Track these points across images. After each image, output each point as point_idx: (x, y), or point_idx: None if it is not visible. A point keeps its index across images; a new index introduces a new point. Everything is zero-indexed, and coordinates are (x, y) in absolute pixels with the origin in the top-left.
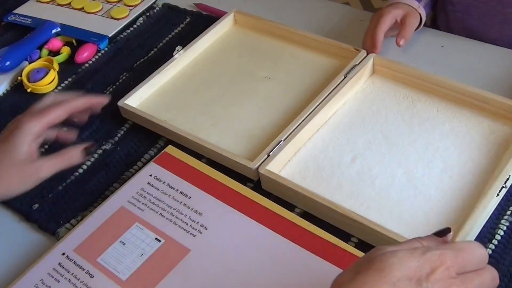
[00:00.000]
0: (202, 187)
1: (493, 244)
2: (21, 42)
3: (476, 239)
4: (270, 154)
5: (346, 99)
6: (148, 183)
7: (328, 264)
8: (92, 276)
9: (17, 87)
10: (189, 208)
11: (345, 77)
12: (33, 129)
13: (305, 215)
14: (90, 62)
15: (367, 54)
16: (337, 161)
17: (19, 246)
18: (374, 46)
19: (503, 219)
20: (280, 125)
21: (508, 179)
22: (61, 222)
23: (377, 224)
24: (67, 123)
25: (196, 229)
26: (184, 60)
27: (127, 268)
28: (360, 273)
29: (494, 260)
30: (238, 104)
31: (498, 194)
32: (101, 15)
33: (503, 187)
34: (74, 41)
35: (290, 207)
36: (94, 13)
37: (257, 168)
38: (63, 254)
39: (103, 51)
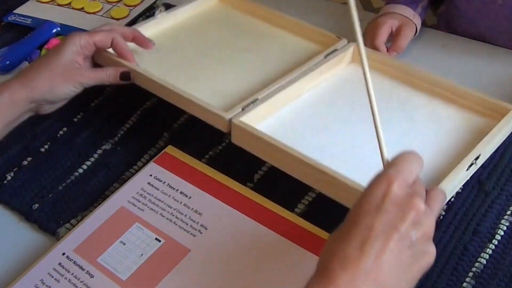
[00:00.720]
0: (202, 187)
1: (493, 244)
2: (21, 42)
3: (476, 238)
4: (245, 108)
5: (324, 78)
6: (148, 183)
7: None
8: (92, 276)
9: None
10: (189, 208)
11: (325, 58)
12: (78, 42)
13: (305, 215)
14: None
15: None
16: (307, 131)
17: (19, 246)
18: (396, 50)
19: (503, 219)
20: (256, 88)
21: (478, 157)
22: (61, 222)
23: (351, 179)
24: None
25: (196, 229)
26: (165, 22)
27: (127, 268)
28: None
29: (494, 260)
30: (216, 68)
31: (468, 169)
32: (101, 15)
33: (472, 163)
34: None
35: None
36: (94, 13)
37: (230, 119)
38: (63, 254)
39: None
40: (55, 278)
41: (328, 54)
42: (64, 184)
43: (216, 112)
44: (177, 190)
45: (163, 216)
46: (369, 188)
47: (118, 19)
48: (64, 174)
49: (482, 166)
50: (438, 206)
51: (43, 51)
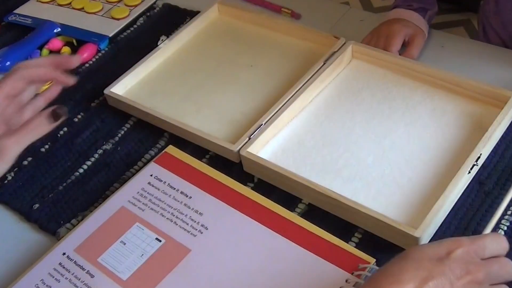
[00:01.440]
0: (202, 187)
1: None
2: (22, 42)
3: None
4: (251, 137)
5: (325, 84)
6: (149, 183)
7: (328, 264)
8: (92, 276)
9: None
10: (189, 208)
11: (324, 63)
12: None
13: (306, 215)
14: (91, 62)
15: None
16: (316, 143)
17: (19, 246)
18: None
19: (503, 219)
20: (261, 109)
21: (479, 157)
22: (62, 222)
23: (354, 201)
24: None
25: (196, 229)
26: (168, 49)
27: (127, 268)
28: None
29: None
30: (221, 91)
31: (469, 172)
32: (102, 15)
33: (474, 164)
34: (74, 41)
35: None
36: (94, 13)
37: (239, 151)
38: (64, 254)
39: (103, 51)
40: (55, 278)
41: (327, 59)
42: (64, 184)
43: (225, 145)
44: (178, 190)
45: (163, 216)
46: (437, 241)
47: (118, 19)
48: (64, 174)
49: (482, 166)
50: None
51: (44, 51)
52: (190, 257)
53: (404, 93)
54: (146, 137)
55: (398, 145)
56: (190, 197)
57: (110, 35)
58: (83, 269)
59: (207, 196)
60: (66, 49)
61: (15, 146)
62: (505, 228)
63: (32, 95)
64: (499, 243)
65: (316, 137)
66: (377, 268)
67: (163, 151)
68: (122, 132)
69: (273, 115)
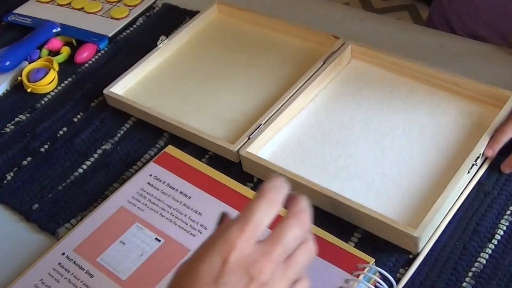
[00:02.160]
0: (202, 187)
1: (493, 244)
2: (21, 42)
3: (476, 238)
4: (251, 137)
5: (325, 84)
6: (148, 183)
7: (328, 264)
8: (92, 276)
9: (17, 87)
10: (189, 208)
11: (323, 63)
12: None
13: None
14: (90, 62)
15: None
16: (315, 143)
17: (19, 246)
18: (492, 147)
19: (503, 219)
20: (260, 109)
21: (478, 157)
22: (61, 222)
23: (353, 201)
24: None
25: (196, 229)
26: (168, 49)
27: (127, 268)
28: None
29: (494, 260)
30: (221, 90)
31: (469, 171)
32: (101, 15)
33: (473, 164)
34: (74, 41)
35: None
36: (94, 13)
37: (238, 151)
38: (63, 254)
39: (103, 51)
40: (55, 278)
41: (326, 59)
42: (64, 184)
43: (224, 145)
44: (177, 190)
45: (163, 216)
46: (204, 251)
47: (118, 19)
48: (64, 174)
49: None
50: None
51: (43, 51)
52: None
53: (403, 93)
54: (146, 137)
55: (398, 145)
56: (190, 197)
57: (110, 35)
58: (83, 269)
59: (207, 196)
60: (66, 49)
61: None
62: (504, 228)
63: None
64: (272, 204)
65: (315, 137)
66: (376, 268)
67: (163, 151)
68: (122, 132)
69: (272, 115)
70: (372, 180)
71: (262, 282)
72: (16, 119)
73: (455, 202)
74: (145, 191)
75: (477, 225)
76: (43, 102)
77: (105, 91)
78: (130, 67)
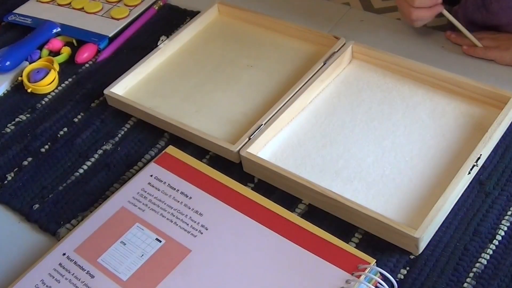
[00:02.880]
0: (202, 188)
1: (493, 244)
2: (21, 42)
3: (477, 239)
4: (251, 137)
5: (325, 84)
6: (149, 183)
7: (328, 264)
8: (92, 277)
9: (17, 87)
10: (189, 208)
11: (324, 64)
12: None
13: (306, 216)
14: (91, 62)
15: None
16: (316, 144)
17: (19, 246)
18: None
19: (503, 219)
20: (261, 110)
21: (479, 158)
22: (62, 222)
23: (353, 202)
24: None
25: (196, 230)
26: (168, 49)
27: (127, 269)
28: None
29: (495, 261)
30: (221, 91)
31: (469, 172)
32: (101, 15)
33: (474, 165)
34: (74, 41)
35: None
36: (94, 13)
37: (239, 151)
38: (64, 254)
39: (103, 51)
40: (55, 279)
41: (327, 59)
42: (64, 185)
43: (224, 146)
44: (178, 190)
45: (163, 216)
46: None
47: (118, 19)
48: (64, 174)
49: (482, 166)
50: None
51: (43, 51)
52: (190, 258)
53: (404, 93)
54: (146, 138)
55: (398, 145)
56: (190, 198)
57: (110, 35)
58: (83, 269)
59: (207, 196)
60: (66, 49)
61: None
62: (505, 228)
63: None
64: None
65: (316, 138)
66: (377, 268)
67: (163, 152)
68: (122, 132)
69: (273, 116)
70: (373, 180)
71: None
72: (17, 119)
73: (456, 203)
74: (145, 192)
75: (478, 226)
76: (43, 102)
77: (105, 91)
78: (130, 67)
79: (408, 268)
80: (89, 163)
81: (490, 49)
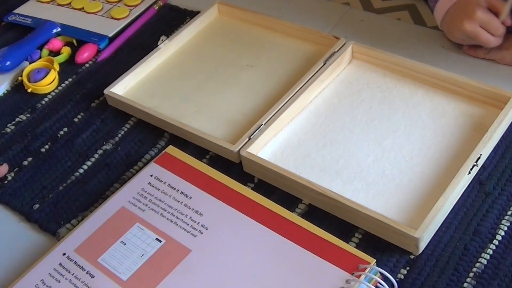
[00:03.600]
0: (202, 188)
1: (494, 244)
2: (21, 42)
3: (477, 238)
4: (251, 137)
5: (325, 84)
6: (149, 183)
7: (328, 264)
8: (92, 276)
9: (17, 87)
10: (189, 208)
11: (324, 64)
12: None
13: (306, 215)
14: (91, 62)
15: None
16: (316, 143)
17: (19, 246)
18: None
19: (504, 219)
20: (261, 110)
21: (479, 158)
22: (62, 222)
23: (353, 201)
24: None
25: (196, 230)
26: (168, 49)
27: (127, 269)
28: None
29: (495, 261)
30: (221, 91)
31: (469, 172)
32: (101, 15)
33: (474, 165)
34: (74, 41)
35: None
36: (94, 13)
37: (239, 151)
38: (64, 254)
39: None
40: (55, 279)
41: (327, 59)
42: (64, 184)
43: (225, 145)
44: (178, 190)
45: (163, 216)
46: None
47: (118, 19)
48: (64, 174)
49: (482, 166)
50: None
51: (43, 51)
52: (190, 258)
53: (404, 93)
54: (146, 137)
55: (398, 145)
56: (190, 198)
57: (110, 35)
58: (83, 269)
59: (207, 196)
60: (66, 49)
61: None
62: (505, 228)
63: None
64: None
65: (316, 138)
66: (377, 268)
67: (163, 151)
68: (122, 132)
69: (273, 116)
70: (373, 180)
71: None
72: (17, 119)
73: (456, 203)
74: (145, 192)
75: (478, 226)
76: (43, 102)
77: (105, 91)
78: (130, 67)
79: (408, 268)
80: (89, 163)
81: (491, 49)
